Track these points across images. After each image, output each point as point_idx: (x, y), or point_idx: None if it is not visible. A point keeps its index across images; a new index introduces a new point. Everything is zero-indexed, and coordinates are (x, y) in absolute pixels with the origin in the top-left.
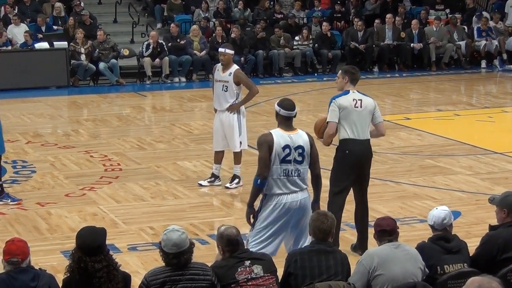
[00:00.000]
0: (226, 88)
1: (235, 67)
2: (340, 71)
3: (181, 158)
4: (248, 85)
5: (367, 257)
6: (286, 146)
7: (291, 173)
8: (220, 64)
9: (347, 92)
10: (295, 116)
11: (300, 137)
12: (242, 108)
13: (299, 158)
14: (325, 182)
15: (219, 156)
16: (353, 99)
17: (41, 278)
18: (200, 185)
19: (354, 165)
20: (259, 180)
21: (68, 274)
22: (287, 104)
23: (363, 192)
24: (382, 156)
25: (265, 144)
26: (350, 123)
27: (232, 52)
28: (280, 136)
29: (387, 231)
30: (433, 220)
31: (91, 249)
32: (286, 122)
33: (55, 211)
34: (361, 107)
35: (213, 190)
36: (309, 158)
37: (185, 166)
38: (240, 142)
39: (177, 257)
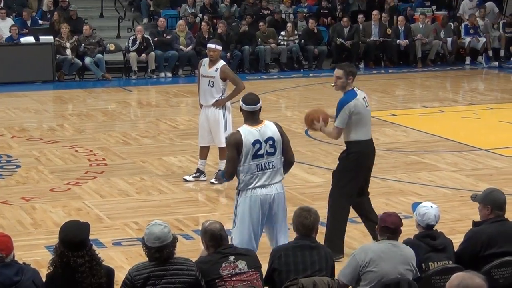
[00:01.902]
0: (212, 84)
1: (222, 62)
2: (340, 70)
3: (166, 154)
4: (234, 81)
5: (361, 252)
6: (256, 141)
7: (265, 166)
8: (206, 59)
9: (354, 93)
10: (260, 110)
11: (268, 128)
12: (228, 103)
13: (271, 150)
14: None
15: (204, 152)
16: (363, 98)
17: (25, 273)
18: (185, 180)
19: (368, 165)
20: (224, 177)
21: (52, 269)
22: (249, 99)
23: (367, 187)
24: None
25: (233, 144)
26: (364, 124)
27: (221, 48)
28: (248, 133)
29: (389, 228)
30: (423, 218)
31: (74, 244)
32: (251, 117)
33: (40, 206)
34: (368, 105)
35: (198, 185)
36: (281, 147)
37: (171, 162)
38: (226, 138)
39: (159, 251)
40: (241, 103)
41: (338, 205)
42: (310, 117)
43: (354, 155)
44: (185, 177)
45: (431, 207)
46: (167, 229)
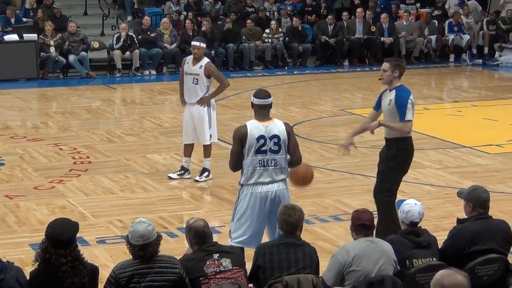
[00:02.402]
0: (197, 81)
1: (206, 60)
2: (387, 63)
3: (150, 151)
4: (219, 78)
5: (342, 252)
6: (261, 137)
7: (268, 163)
8: (190, 57)
9: (408, 89)
10: (271, 106)
11: (275, 126)
12: (212, 101)
13: (275, 148)
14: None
15: (188, 149)
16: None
17: (9, 271)
18: (170, 178)
19: (410, 161)
20: (230, 168)
21: (36, 263)
22: (261, 93)
23: None
24: (352, 150)
25: (238, 137)
26: None
27: (205, 45)
28: (254, 127)
29: (366, 225)
30: (407, 216)
31: (59, 242)
32: (261, 112)
33: (24, 204)
34: None
35: (183, 183)
36: (287, 147)
37: (155, 159)
38: (210, 135)
39: (143, 249)
40: (252, 97)
41: (390, 204)
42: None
43: (404, 152)
44: (169, 175)
45: (415, 204)
46: (151, 227)
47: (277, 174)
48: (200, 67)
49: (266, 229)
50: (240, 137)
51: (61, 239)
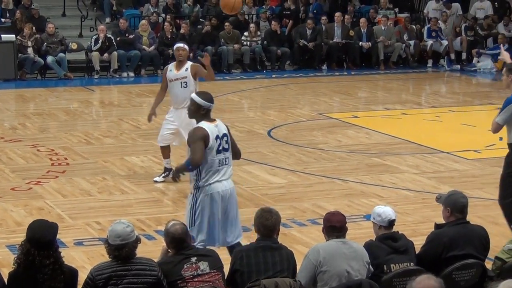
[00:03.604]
0: (186, 84)
1: (189, 62)
2: (505, 68)
3: (128, 153)
4: (208, 71)
5: (313, 252)
6: (217, 137)
7: (224, 161)
8: (171, 64)
9: None
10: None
11: (221, 125)
12: None
13: (226, 146)
14: None
15: (166, 151)
16: None
17: None
18: (156, 181)
19: None
20: (190, 165)
21: (15, 267)
22: (209, 97)
23: None
24: (330, 154)
25: (201, 137)
26: None
27: (187, 47)
28: (210, 129)
29: (337, 227)
30: (382, 217)
31: (41, 243)
32: (208, 114)
33: (1, 205)
34: None
35: (161, 185)
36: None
37: (133, 162)
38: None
39: (119, 249)
40: (201, 101)
41: None
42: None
43: None
44: (155, 179)
45: (384, 206)
46: (130, 229)
47: (230, 172)
48: (186, 69)
49: (222, 225)
50: (203, 137)
51: (43, 240)
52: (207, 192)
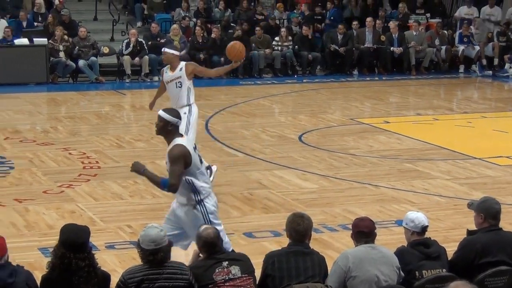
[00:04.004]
0: (180, 84)
1: (182, 62)
2: None
3: (159, 157)
4: (203, 70)
5: (342, 258)
6: (194, 148)
7: (206, 171)
8: (166, 67)
9: None
10: None
11: (188, 139)
12: (193, 108)
13: (200, 158)
14: None
15: None
16: None
17: (19, 275)
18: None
19: None
20: (166, 188)
21: (49, 270)
22: (176, 113)
23: None
24: (361, 159)
25: (182, 158)
26: None
27: (171, 51)
28: (187, 142)
29: (365, 232)
30: (415, 223)
31: (76, 245)
32: (176, 131)
33: (33, 207)
34: None
35: None
36: None
37: (164, 165)
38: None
39: (153, 253)
40: (168, 117)
41: None
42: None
43: None
44: None
45: (417, 211)
46: (163, 233)
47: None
48: (180, 69)
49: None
50: (185, 156)
51: (78, 242)
52: (209, 204)
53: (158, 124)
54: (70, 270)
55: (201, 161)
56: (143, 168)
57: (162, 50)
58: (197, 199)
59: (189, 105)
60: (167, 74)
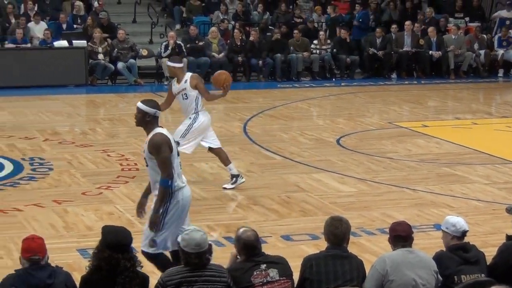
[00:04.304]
0: (186, 96)
1: (189, 74)
2: None
3: (197, 160)
4: (202, 90)
5: (380, 262)
6: (173, 141)
7: (181, 165)
8: (174, 78)
9: None
10: None
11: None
12: (201, 117)
13: (177, 151)
14: None
15: (222, 156)
16: None
17: (58, 276)
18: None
19: None
20: (169, 182)
21: (90, 272)
22: (154, 104)
23: None
24: (399, 163)
25: (165, 144)
26: None
27: (174, 64)
28: (167, 133)
29: (402, 236)
30: (456, 227)
31: (123, 246)
32: (155, 121)
33: (72, 209)
34: None
35: (229, 192)
36: None
37: (202, 168)
38: (178, 142)
39: (199, 256)
40: (146, 107)
41: None
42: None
43: None
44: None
45: (456, 215)
46: (206, 236)
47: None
48: (185, 81)
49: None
50: (168, 143)
51: (125, 243)
52: (178, 198)
53: (136, 115)
54: (116, 271)
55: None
56: (153, 220)
57: (166, 63)
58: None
59: (196, 113)
60: (175, 86)
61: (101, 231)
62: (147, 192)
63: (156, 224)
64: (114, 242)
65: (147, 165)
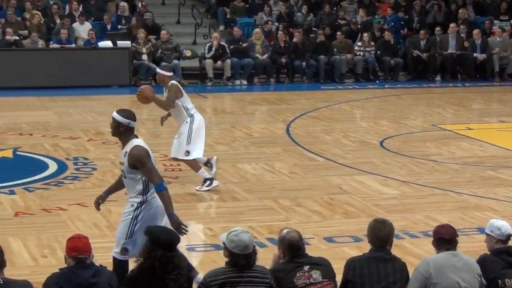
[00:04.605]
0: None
1: (170, 83)
2: None
3: (240, 161)
4: (169, 98)
5: (424, 264)
6: (150, 149)
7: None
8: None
9: None
10: None
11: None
12: (196, 117)
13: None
14: None
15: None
16: None
17: (102, 275)
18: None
19: None
20: (163, 183)
21: (139, 271)
22: (128, 114)
23: None
24: (443, 166)
25: (146, 155)
26: None
27: (162, 72)
28: (145, 144)
29: (446, 239)
30: (502, 231)
31: (174, 244)
32: (130, 131)
33: (115, 209)
34: None
35: (272, 193)
36: None
37: (245, 169)
38: (188, 151)
39: (247, 258)
40: (120, 117)
41: None
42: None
43: None
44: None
45: (501, 220)
46: (252, 237)
47: None
48: (166, 90)
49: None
50: (148, 154)
51: (176, 242)
52: (152, 205)
53: (112, 125)
54: (167, 269)
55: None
56: (175, 221)
57: (156, 70)
58: (141, 199)
59: (191, 116)
60: (164, 94)
61: (149, 231)
62: (110, 190)
63: (179, 226)
64: (168, 241)
65: (124, 177)
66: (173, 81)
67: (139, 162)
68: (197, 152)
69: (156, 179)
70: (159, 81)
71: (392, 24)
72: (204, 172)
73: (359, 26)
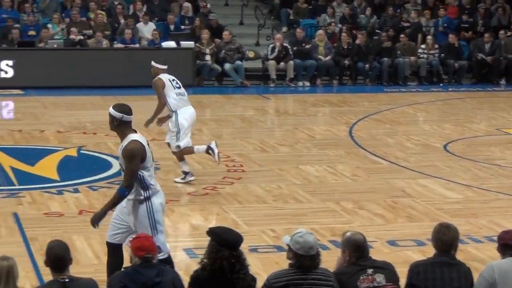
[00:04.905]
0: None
1: (157, 77)
2: None
3: (303, 162)
4: (159, 95)
5: (488, 270)
6: (148, 144)
7: (154, 170)
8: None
9: None
10: None
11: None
12: (180, 113)
13: (152, 156)
14: None
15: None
16: None
17: (166, 274)
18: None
19: None
20: (127, 192)
21: (206, 271)
22: (123, 109)
23: None
24: (508, 171)
25: (138, 156)
26: None
27: (157, 65)
28: (142, 139)
29: (510, 245)
30: None
31: (239, 244)
32: (125, 125)
33: (178, 209)
34: None
35: (334, 196)
36: None
37: (307, 171)
38: (178, 146)
39: (312, 259)
40: (120, 114)
41: None
42: None
43: None
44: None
45: None
46: (316, 239)
47: None
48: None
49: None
50: (141, 154)
51: (241, 242)
52: (157, 202)
53: (108, 119)
54: (235, 269)
55: (152, 159)
56: (97, 215)
57: (151, 63)
58: (145, 195)
59: (174, 111)
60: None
61: (213, 232)
62: None
63: (94, 222)
64: (233, 241)
65: (122, 171)
66: (157, 77)
67: (129, 157)
68: (185, 141)
69: (127, 181)
70: (153, 73)
71: (445, 25)
72: (185, 165)
73: (424, 29)
